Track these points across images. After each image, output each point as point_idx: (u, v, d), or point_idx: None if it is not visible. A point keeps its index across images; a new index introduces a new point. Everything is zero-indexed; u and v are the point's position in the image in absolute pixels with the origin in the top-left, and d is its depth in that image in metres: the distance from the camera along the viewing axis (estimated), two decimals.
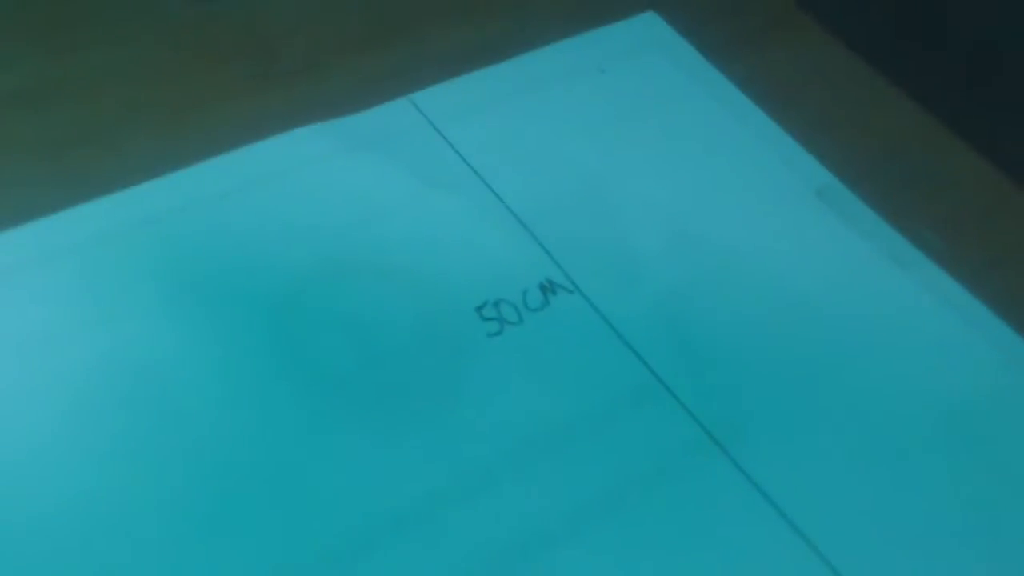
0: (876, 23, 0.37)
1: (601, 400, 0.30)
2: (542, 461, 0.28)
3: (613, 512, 0.27)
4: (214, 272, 0.32)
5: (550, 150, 0.37)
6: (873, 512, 0.28)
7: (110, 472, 0.27)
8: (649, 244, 0.34)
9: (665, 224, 0.35)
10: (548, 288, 0.32)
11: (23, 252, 0.31)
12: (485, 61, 0.40)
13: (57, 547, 0.25)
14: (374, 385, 0.29)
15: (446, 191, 0.35)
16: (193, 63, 0.39)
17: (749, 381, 0.31)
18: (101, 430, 0.27)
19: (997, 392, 0.32)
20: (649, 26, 0.42)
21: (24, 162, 0.35)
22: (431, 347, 0.30)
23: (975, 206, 0.38)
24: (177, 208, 0.33)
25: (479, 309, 0.32)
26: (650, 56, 0.41)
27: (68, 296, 0.30)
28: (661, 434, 0.29)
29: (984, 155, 0.37)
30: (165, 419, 0.28)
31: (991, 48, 0.33)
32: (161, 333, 0.30)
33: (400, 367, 0.30)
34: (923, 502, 0.29)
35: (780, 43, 0.44)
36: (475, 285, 0.32)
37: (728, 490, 0.28)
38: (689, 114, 0.39)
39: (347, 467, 0.28)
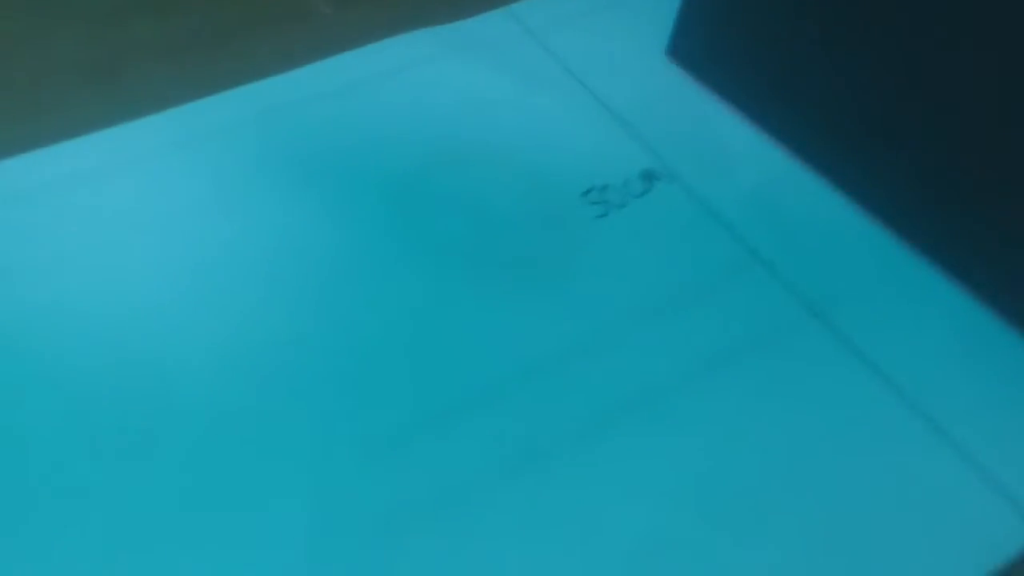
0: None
1: (702, 274, 0.31)
2: (649, 328, 0.30)
3: (720, 369, 0.29)
4: (334, 160, 0.34)
5: (645, 55, 0.39)
6: (982, 374, 0.29)
7: (246, 340, 0.29)
8: (744, 138, 0.36)
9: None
10: (648, 176, 0.34)
11: (154, 139, 0.33)
12: None
13: (191, 416, 0.27)
14: (492, 260, 0.31)
15: (547, 91, 0.37)
16: None
17: (846, 256, 0.32)
18: (236, 304, 0.29)
19: None
20: None
21: (148, 63, 0.37)
22: (543, 227, 0.32)
23: None
24: (296, 102, 0.35)
25: (585, 193, 0.33)
26: None
27: (197, 181, 0.32)
28: (759, 303, 0.31)
29: None
30: (299, 292, 0.30)
31: None
32: (288, 216, 0.32)
33: (515, 244, 0.32)
34: None
35: None
36: (580, 173, 0.34)
37: (828, 356, 0.30)
38: None
39: (471, 329, 0.29)
